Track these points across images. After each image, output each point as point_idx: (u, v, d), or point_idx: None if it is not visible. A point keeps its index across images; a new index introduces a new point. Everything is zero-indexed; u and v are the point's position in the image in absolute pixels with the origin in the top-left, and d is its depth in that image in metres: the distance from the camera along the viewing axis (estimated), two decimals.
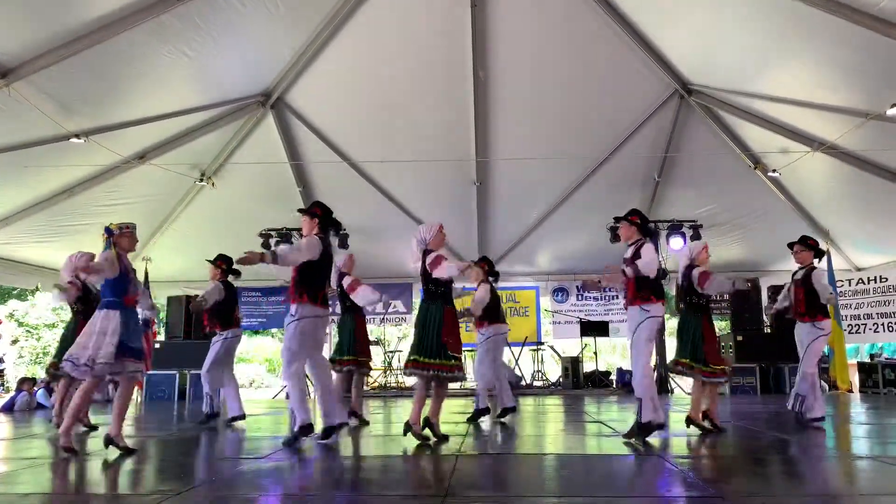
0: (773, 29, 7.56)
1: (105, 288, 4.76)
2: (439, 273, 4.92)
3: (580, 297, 14.41)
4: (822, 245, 6.31)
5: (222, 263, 6.93)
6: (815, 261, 6.14)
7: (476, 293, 6.81)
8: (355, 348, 6.70)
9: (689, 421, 5.58)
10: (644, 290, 4.98)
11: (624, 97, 10.16)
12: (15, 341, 20.40)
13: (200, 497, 3.20)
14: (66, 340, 6.14)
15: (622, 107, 10.35)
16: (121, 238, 4.87)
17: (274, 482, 3.61)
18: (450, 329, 4.98)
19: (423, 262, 5.08)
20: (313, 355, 5.06)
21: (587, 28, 8.99)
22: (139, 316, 4.95)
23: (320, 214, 5.24)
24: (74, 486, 3.77)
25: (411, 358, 5.01)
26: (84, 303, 6.41)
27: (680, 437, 5.62)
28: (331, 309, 5.46)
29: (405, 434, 4.99)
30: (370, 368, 7.27)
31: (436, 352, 4.92)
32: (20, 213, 9.76)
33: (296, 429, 4.81)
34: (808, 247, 6.11)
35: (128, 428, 6.62)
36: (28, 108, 7.39)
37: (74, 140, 8.35)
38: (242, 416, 6.87)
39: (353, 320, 6.83)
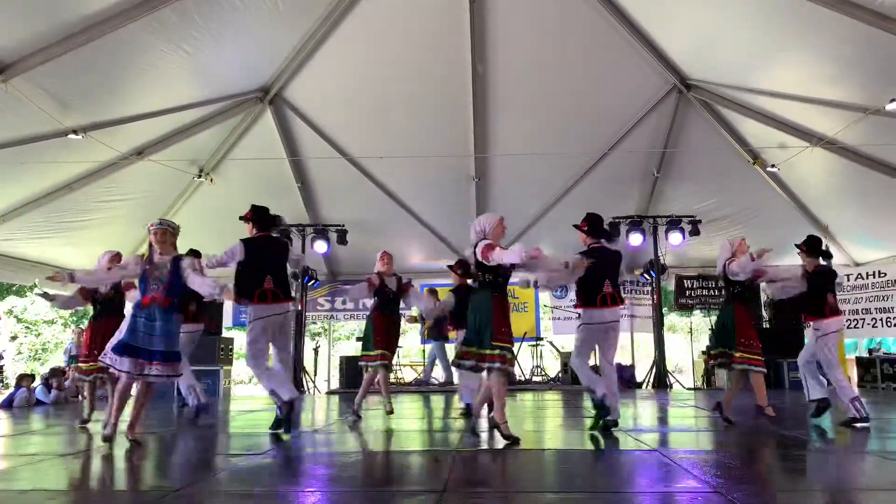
0: (773, 24, 7.55)
1: None
2: (498, 257, 4.74)
3: None
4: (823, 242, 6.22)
5: None
6: (817, 260, 6.02)
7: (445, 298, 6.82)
8: (373, 345, 6.68)
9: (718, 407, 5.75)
10: (578, 295, 5.31)
11: (623, 92, 10.15)
12: (14, 337, 20.42)
13: (200, 493, 3.20)
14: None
15: (621, 102, 10.34)
16: (151, 236, 4.90)
17: (272, 478, 3.62)
18: (499, 318, 4.85)
19: (475, 250, 5.02)
20: (275, 349, 5.56)
21: (586, 23, 8.97)
22: (169, 315, 4.81)
23: (250, 216, 5.70)
24: (74, 482, 3.77)
25: (461, 349, 4.95)
26: (101, 302, 6.34)
27: (677, 432, 5.63)
28: (290, 305, 5.58)
29: (491, 429, 4.87)
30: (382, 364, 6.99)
31: (478, 342, 4.81)
32: (18, 209, 9.74)
33: (282, 406, 5.16)
34: (801, 248, 6.02)
35: (124, 424, 6.62)
36: (25, 104, 7.37)
37: (72, 136, 8.33)
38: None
39: (373, 317, 6.77)
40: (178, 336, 4.88)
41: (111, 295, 6.24)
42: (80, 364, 6.38)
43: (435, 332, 10.87)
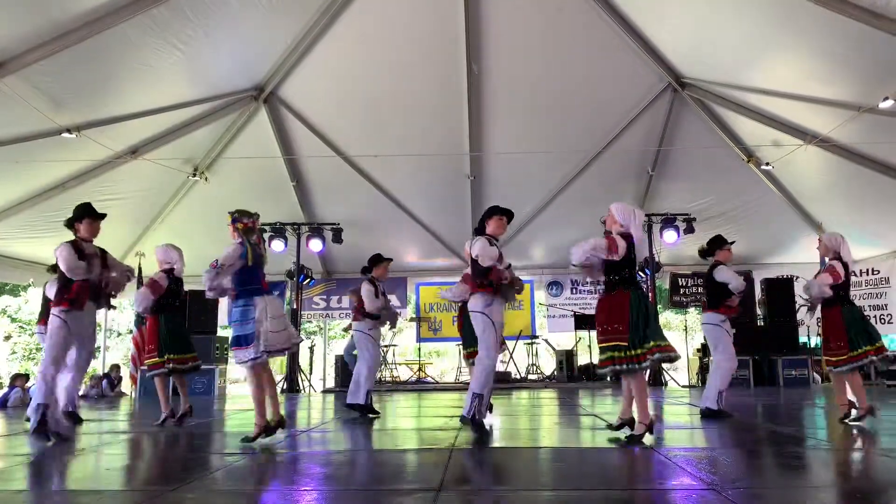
0: (766, 22, 7.57)
1: None
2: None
3: (574, 290, 14.44)
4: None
5: None
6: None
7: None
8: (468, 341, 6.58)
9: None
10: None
11: (618, 91, 10.17)
12: (8, 337, 20.34)
13: (195, 492, 3.20)
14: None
15: (616, 100, 10.36)
16: None
17: (266, 477, 3.62)
18: (608, 316, 4.80)
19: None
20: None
21: (580, 21, 8.99)
22: (234, 304, 4.64)
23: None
24: (68, 482, 3.76)
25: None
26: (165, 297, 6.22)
27: (672, 429, 5.65)
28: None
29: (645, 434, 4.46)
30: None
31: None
32: (12, 208, 9.71)
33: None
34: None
35: (121, 423, 6.62)
36: (19, 102, 7.34)
37: (66, 135, 8.31)
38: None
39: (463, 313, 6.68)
40: (234, 324, 4.57)
41: (172, 290, 6.18)
42: (159, 358, 6.10)
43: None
